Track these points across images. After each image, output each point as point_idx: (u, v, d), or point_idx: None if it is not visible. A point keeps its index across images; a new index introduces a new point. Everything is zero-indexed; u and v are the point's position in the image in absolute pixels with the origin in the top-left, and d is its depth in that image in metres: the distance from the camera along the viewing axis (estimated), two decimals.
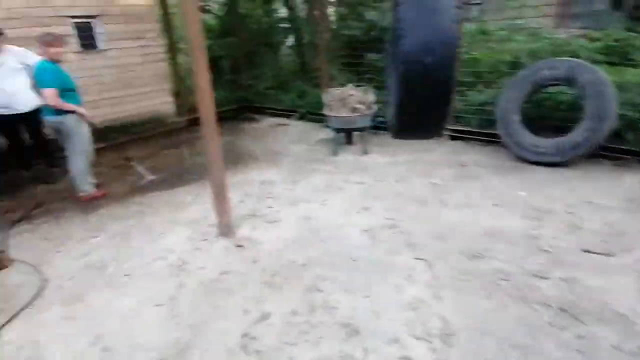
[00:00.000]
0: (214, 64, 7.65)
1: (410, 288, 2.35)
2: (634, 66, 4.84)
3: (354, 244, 2.85)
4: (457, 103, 4.93)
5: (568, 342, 1.86)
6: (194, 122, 6.52)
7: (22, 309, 2.42)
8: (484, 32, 6.38)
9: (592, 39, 5.92)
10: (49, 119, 3.67)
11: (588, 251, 2.52)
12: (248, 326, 2.16)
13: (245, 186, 4.04)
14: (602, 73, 3.61)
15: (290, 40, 7.84)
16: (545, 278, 2.31)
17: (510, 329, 1.97)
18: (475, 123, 4.72)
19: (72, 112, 3.60)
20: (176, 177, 4.47)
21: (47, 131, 3.92)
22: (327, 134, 5.55)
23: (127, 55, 5.83)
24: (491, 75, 4.98)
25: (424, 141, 4.95)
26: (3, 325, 2.30)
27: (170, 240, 3.10)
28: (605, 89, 3.49)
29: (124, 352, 2.05)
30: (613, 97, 3.50)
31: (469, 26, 7.24)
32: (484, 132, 4.60)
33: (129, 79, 5.89)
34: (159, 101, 6.35)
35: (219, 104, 7.66)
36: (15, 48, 4.13)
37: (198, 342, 2.07)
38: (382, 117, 5.03)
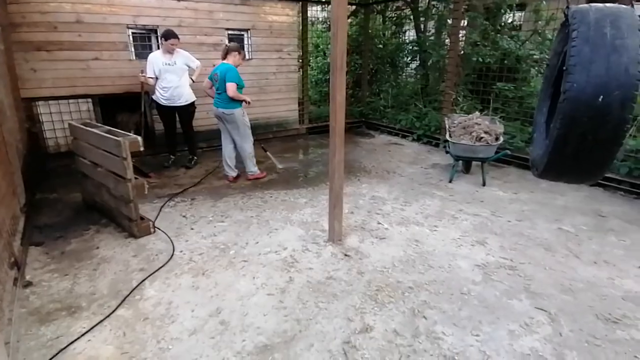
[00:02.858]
0: None
1: (527, 338, 2.17)
2: None
3: (465, 277, 2.73)
4: None
5: None
6: (312, 131, 6.97)
7: (156, 270, 2.84)
8: None
9: None
10: (224, 111, 4.39)
11: None
12: (350, 334, 2.22)
13: (356, 198, 4.17)
14: None
15: (415, 63, 7.87)
16: None
17: None
18: (626, 171, 4.13)
19: (240, 105, 4.37)
20: (293, 178, 4.81)
21: (216, 120, 4.69)
22: (443, 158, 5.42)
23: (265, 65, 6.50)
24: None
25: (553, 182, 4.50)
26: (142, 281, 2.73)
27: (283, 237, 3.35)
28: None
29: (237, 329, 2.27)
30: None
31: None
32: (632, 182, 4.00)
33: (263, 85, 6.54)
34: (286, 108, 6.92)
35: None
36: (184, 51, 4.94)
37: (302, 338, 2.20)
38: (509, 149, 4.73)
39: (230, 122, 4.47)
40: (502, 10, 6.24)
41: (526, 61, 5.88)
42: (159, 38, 5.12)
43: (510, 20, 6.90)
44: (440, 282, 2.68)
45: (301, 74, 7.09)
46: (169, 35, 4.70)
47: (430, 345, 2.12)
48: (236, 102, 4.38)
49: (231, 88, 4.22)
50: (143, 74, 4.84)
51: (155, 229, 3.48)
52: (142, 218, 3.43)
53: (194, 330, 2.25)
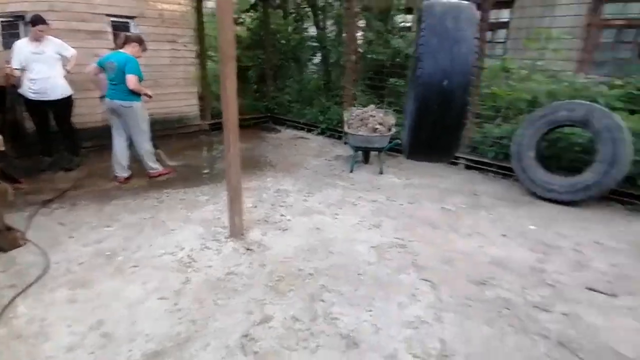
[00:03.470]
0: (241, 73, 7.92)
1: (413, 307, 2.37)
2: None
3: (361, 259, 2.89)
4: (475, 134, 5.01)
5: None
6: (216, 127, 6.73)
7: (28, 287, 2.49)
8: (505, 70, 6.48)
9: (613, 86, 5.96)
10: (121, 103, 4.07)
11: (592, 289, 2.51)
12: (249, 327, 2.20)
13: (260, 192, 4.14)
14: (619, 119, 3.65)
15: (317, 58, 8.07)
16: (547, 311, 2.31)
17: (507, 356, 1.98)
18: (492, 155, 4.76)
19: (140, 98, 4.16)
20: (194, 176, 4.60)
21: (110, 115, 4.26)
22: (345, 150, 5.65)
23: (158, 57, 6.07)
24: (509, 111, 5.05)
25: (440, 167, 5.01)
26: (14, 298, 2.38)
27: (181, 237, 3.18)
28: (620, 135, 3.52)
29: (123, 340, 2.09)
30: (628, 143, 3.53)
31: (492, 62, 7.39)
32: (499, 165, 4.64)
33: (157, 78, 6.11)
34: (186, 103, 6.56)
35: (242, 111, 7.83)
36: (55, 39, 4.37)
37: (198, 338, 2.12)
38: (400, 139, 5.11)
39: (128, 116, 4.15)
40: (393, 13, 6.72)
41: None
42: (26, 25, 4.46)
43: (400, 22, 7.46)
44: (339, 266, 2.80)
45: (200, 67, 6.78)
46: (36, 20, 4.13)
47: (327, 326, 2.20)
48: (135, 94, 4.10)
49: (132, 80, 3.98)
50: (9, 65, 4.18)
51: (26, 240, 3.04)
52: (9, 229, 2.98)
53: (71, 347, 2.02)
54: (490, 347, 2.05)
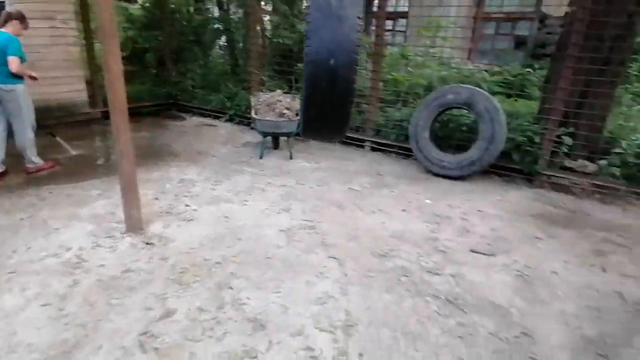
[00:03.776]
0: (138, 55, 7.27)
1: (321, 284, 2.44)
2: (527, 98, 5.63)
3: (270, 243, 2.88)
4: (379, 118, 5.28)
5: (451, 329, 2.08)
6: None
7: None
8: (404, 57, 6.93)
9: (494, 73, 6.76)
10: (2, 87, 3.68)
11: (475, 251, 2.84)
12: (149, 324, 2.06)
13: (163, 183, 3.87)
14: (496, 101, 4.13)
15: (222, 41, 7.74)
16: (438, 274, 2.56)
17: (404, 318, 2.15)
18: (394, 137, 5.07)
19: (23, 81, 3.80)
20: (83, 169, 4.13)
21: None
22: (254, 137, 5.54)
23: (35, 36, 5.26)
24: (409, 96, 5.42)
25: (347, 150, 5.20)
26: None
27: (67, 236, 2.85)
28: (497, 115, 4.00)
29: (2, 352, 1.83)
30: (503, 123, 4.02)
31: (393, 49, 7.84)
32: (400, 146, 4.96)
33: (34, 60, 5.30)
34: (70, 88, 5.81)
35: (140, 97, 7.23)
36: None
37: (89, 342, 1.93)
38: None
39: (9, 101, 3.73)
40: None
41: None
42: None
43: (306, 6, 7.48)
44: (247, 252, 2.75)
45: (86, 47, 6.05)
46: None
47: (235, 313, 2.16)
48: (17, 77, 3.70)
49: (15, 62, 3.64)
50: None
51: None
52: None
53: None
54: (389, 311, 2.21)
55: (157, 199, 3.53)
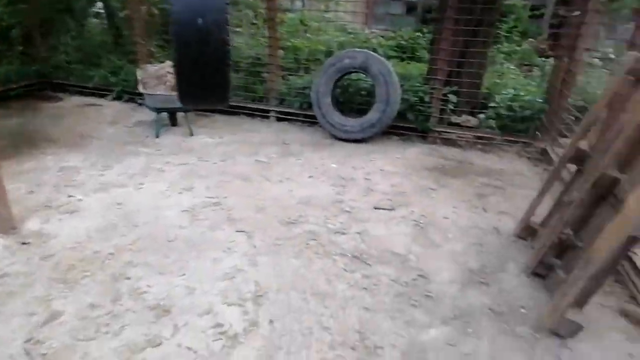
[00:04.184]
0: (3, 33, 6.06)
1: (228, 259, 2.37)
2: (418, 60, 5.99)
3: (171, 225, 2.70)
4: (281, 87, 5.18)
5: (356, 282, 2.19)
6: None
7: None
8: (303, 23, 6.85)
9: (389, 38, 7.04)
10: None
11: (377, 208, 3.00)
12: (33, 329, 1.82)
13: (39, 174, 3.36)
14: (389, 64, 4.31)
15: (97, 9, 6.81)
16: (345, 233, 2.66)
17: (313, 280, 2.20)
18: (297, 105, 5.04)
19: None
20: None
21: None
22: (148, 115, 5.07)
23: None
24: (310, 62, 5.40)
25: (252, 122, 5.06)
26: None
27: None
28: (390, 78, 4.18)
29: None
30: (397, 85, 4.23)
31: (292, 16, 7.68)
32: (305, 114, 4.95)
33: None
34: None
35: (8, 79, 6.09)
36: None
37: None
38: None
39: None
40: None
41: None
42: None
43: None
44: (145, 238, 2.55)
45: None
46: None
47: (134, 303, 2.00)
48: None
49: None
50: None
51: None
52: None
53: None
54: (298, 275, 2.24)
55: (32, 192, 3.07)
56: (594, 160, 2.18)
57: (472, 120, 4.60)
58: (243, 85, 5.30)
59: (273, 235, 2.63)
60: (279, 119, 5.12)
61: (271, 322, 1.90)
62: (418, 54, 6.34)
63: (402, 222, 2.84)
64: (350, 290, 2.14)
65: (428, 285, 2.18)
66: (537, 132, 4.30)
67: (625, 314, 2.01)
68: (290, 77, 5.32)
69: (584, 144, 2.35)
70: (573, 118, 3.76)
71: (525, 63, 6.42)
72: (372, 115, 4.30)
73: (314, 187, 3.35)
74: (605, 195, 2.02)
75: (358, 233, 2.68)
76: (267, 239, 2.59)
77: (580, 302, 1.88)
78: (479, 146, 4.37)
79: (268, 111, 5.15)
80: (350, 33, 6.42)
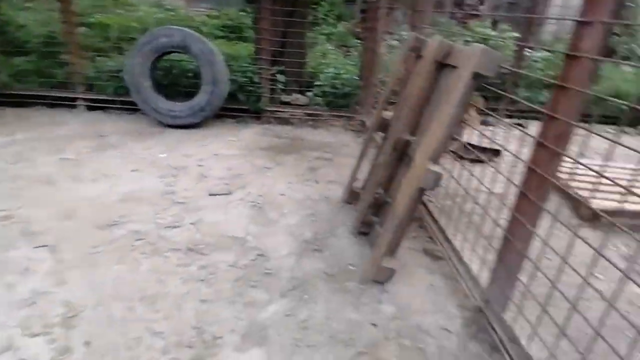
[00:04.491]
0: None
1: (27, 283, 1.92)
2: (246, 40, 5.91)
3: None
4: (88, 70, 4.42)
5: (192, 275, 2.06)
6: None
7: None
8: None
9: (213, 17, 6.75)
10: None
11: (213, 194, 2.88)
12: None
13: None
14: (211, 44, 4.11)
15: None
16: (178, 227, 2.46)
17: (141, 284, 1.97)
18: (112, 91, 4.40)
19: None
20: None
21: None
22: None
23: None
24: (123, 42, 4.74)
25: (54, 114, 4.21)
26: None
27: None
28: (214, 57, 4.00)
29: None
30: (222, 64, 4.08)
31: None
32: (122, 100, 4.36)
33: None
34: None
35: None
36: None
37: None
38: None
39: None
40: None
41: None
42: None
43: None
44: None
45: None
46: None
47: None
48: None
49: None
50: None
51: None
52: None
53: None
54: (122, 282, 1.97)
55: None
56: (393, 127, 2.52)
57: (302, 99, 4.83)
58: (35, 70, 4.33)
59: (87, 243, 2.24)
60: (90, 108, 4.40)
61: (87, 343, 1.61)
62: (245, 34, 6.28)
63: (239, 205, 2.79)
64: (185, 286, 1.99)
65: (267, 263, 2.20)
66: (356, 106, 4.78)
67: (426, 252, 2.43)
68: (99, 58, 4.59)
69: (386, 114, 2.69)
70: (381, 92, 4.31)
71: (343, 44, 7.06)
72: (201, 98, 4.07)
73: (139, 181, 2.99)
74: (402, 156, 2.37)
75: (192, 224, 2.52)
76: (79, 249, 2.19)
77: (392, 250, 2.18)
78: (310, 123, 4.63)
79: (75, 99, 4.37)
80: (169, 10, 5.89)
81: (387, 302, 2.00)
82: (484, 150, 3.31)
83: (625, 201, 2.76)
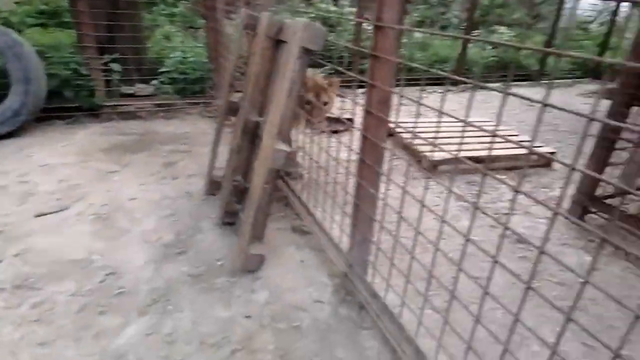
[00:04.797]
0: None
1: None
2: (68, 27, 5.01)
3: None
4: None
5: (24, 316, 1.69)
6: None
7: None
8: None
9: (22, 3, 5.55)
10: None
11: (42, 214, 2.41)
12: None
13: None
14: (15, 34, 3.36)
15: None
16: None
17: None
18: None
19: None
20: None
21: None
22: None
23: None
24: None
25: None
26: None
27: None
28: (23, 50, 3.29)
29: None
30: (34, 58, 3.39)
31: None
32: None
33: None
34: None
35: None
36: None
37: None
38: None
39: None
40: None
41: None
42: None
43: None
44: None
45: None
46: None
47: None
48: None
49: None
50: None
51: None
52: None
53: None
54: None
55: None
56: (241, 110, 2.42)
57: (147, 88, 4.36)
58: None
59: None
60: None
61: None
62: (65, 18, 5.33)
63: (78, 221, 2.38)
64: (17, 331, 1.62)
65: (119, 281, 1.94)
66: (212, 91, 4.53)
67: (294, 230, 2.46)
68: None
69: (235, 97, 2.57)
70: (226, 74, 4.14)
71: (191, 26, 6.57)
72: (12, 100, 3.33)
73: None
74: (254, 138, 2.30)
75: (17, 255, 2.06)
76: None
77: (259, 235, 2.13)
78: (161, 114, 4.23)
79: None
80: None
81: (261, 289, 1.96)
82: (338, 120, 3.47)
83: (460, 150, 3.20)
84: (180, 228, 2.39)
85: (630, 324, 0.76)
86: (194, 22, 6.41)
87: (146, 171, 3.03)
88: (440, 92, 5.94)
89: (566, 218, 0.91)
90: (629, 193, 2.55)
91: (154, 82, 4.33)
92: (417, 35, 6.57)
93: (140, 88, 4.26)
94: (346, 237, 1.96)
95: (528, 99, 0.95)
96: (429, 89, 6.22)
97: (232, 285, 1.96)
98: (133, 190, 2.76)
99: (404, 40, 6.40)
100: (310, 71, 2.57)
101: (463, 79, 1.10)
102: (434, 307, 1.76)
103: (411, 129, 3.60)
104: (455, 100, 5.57)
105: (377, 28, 1.43)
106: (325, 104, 2.73)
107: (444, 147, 3.54)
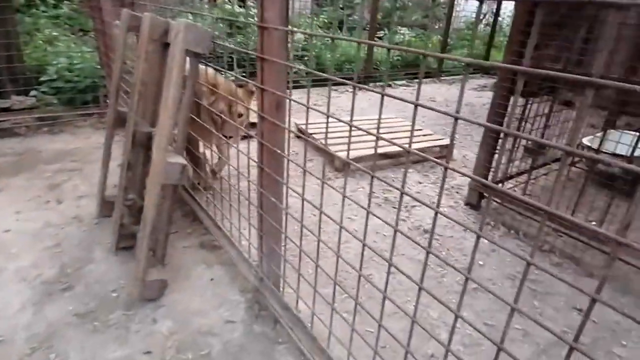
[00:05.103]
0: None
1: None
2: None
3: None
4: None
5: None
6: None
7: None
8: None
9: None
10: None
11: None
12: None
13: None
14: None
15: None
16: None
17: None
18: None
19: None
20: None
21: None
22: None
23: None
24: None
25: None
26: None
27: None
28: None
29: None
30: None
31: None
32: None
33: None
34: None
35: None
36: None
37: None
38: None
39: None
40: None
41: None
42: None
43: None
44: None
45: None
46: None
47: None
48: None
49: None
50: None
51: None
52: None
53: None
54: None
55: None
56: (130, 120, 2.18)
57: (26, 101, 3.81)
58: None
59: None
60: None
61: None
62: None
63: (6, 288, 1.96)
64: None
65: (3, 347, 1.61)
66: (106, 100, 4.10)
67: (202, 246, 2.29)
68: None
69: (122, 107, 2.32)
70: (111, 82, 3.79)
71: (81, 29, 5.91)
72: None
73: None
74: (148, 151, 2.09)
75: None
76: None
77: (159, 258, 1.94)
78: (46, 129, 3.71)
79: None
80: None
81: (163, 318, 1.77)
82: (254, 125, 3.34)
83: (374, 147, 3.27)
84: (66, 260, 2.08)
85: (515, 295, 0.78)
86: (83, 24, 5.77)
87: (24, 197, 2.62)
88: (350, 92, 6.10)
89: (446, 216, 0.92)
90: (511, 177, 2.77)
91: (34, 92, 3.79)
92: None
93: (18, 101, 3.70)
94: (254, 249, 1.86)
95: (402, 99, 0.95)
96: (341, 88, 6.35)
97: (129, 319, 1.74)
98: (7, 221, 2.35)
99: (315, 41, 6.44)
100: (220, 77, 2.40)
101: (344, 80, 1.07)
102: (343, 314, 1.75)
103: (322, 130, 3.60)
104: (364, 99, 5.75)
105: (262, 29, 1.36)
106: (240, 115, 2.46)
107: (354, 145, 3.63)
